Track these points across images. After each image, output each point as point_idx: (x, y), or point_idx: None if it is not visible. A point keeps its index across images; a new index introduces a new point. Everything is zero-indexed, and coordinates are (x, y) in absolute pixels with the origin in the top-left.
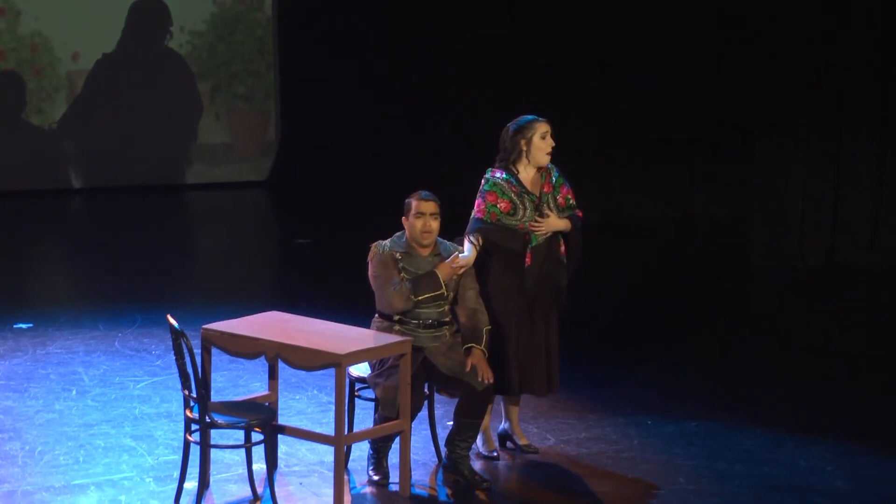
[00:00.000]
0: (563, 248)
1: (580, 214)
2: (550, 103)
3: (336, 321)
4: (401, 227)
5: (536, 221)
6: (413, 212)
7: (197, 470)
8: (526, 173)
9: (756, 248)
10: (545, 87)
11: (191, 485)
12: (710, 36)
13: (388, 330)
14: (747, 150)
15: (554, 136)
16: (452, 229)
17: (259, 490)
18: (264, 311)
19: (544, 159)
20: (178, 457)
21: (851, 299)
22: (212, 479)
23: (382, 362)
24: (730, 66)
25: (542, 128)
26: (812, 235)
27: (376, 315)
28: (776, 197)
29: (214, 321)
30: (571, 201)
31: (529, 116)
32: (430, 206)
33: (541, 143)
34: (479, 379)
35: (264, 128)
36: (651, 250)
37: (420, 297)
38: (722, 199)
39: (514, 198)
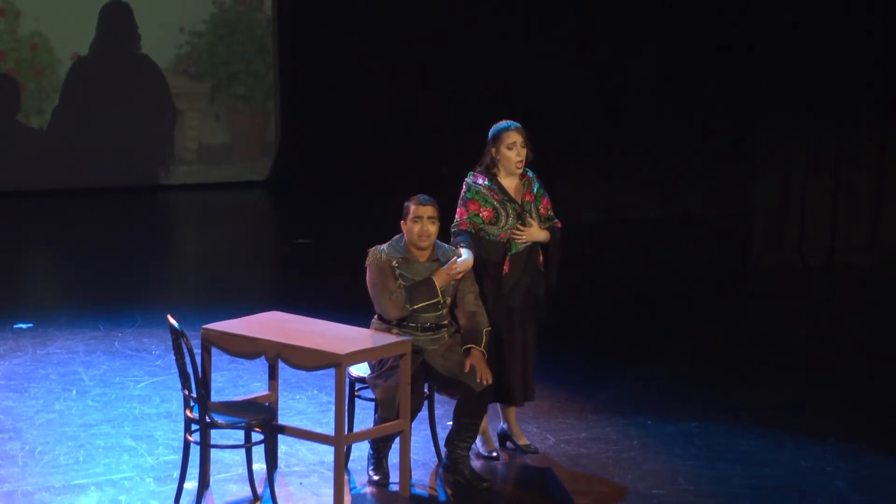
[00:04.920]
0: (541, 259)
1: (559, 225)
2: (550, 103)
3: (336, 321)
4: (400, 229)
5: (518, 230)
6: (411, 216)
7: (197, 470)
8: (507, 181)
9: (756, 248)
10: (545, 87)
11: (191, 485)
12: (711, 35)
13: (387, 332)
14: (747, 150)
15: (529, 144)
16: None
17: (259, 490)
18: (264, 311)
19: (514, 169)
20: (178, 457)
21: (851, 299)
22: (212, 479)
23: (382, 363)
24: (730, 65)
25: (510, 138)
26: (812, 235)
27: (375, 317)
28: (776, 197)
29: (214, 321)
30: (550, 212)
31: (503, 124)
32: (428, 210)
33: (508, 153)
34: (478, 380)
35: (264, 128)
36: (651, 250)
37: (416, 306)
38: (722, 199)
39: (497, 205)
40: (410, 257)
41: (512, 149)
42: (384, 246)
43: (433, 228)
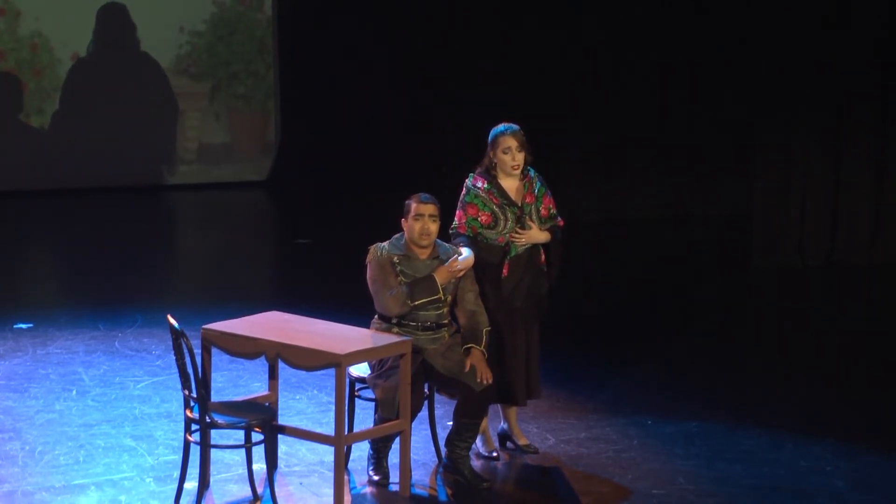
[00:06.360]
0: (543, 258)
1: (561, 224)
2: (551, 103)
3: (336, 321)
4: (400, 228)
5: (517, 233)
6: (412, 214)
7: (197, 470)
8: (508, 182)
9: (756, 248)
10: (546, 87)
11: (191, 485)
12: (711, 35)
13: (387, 332)
14: (747, 150)
15: (527, 147)
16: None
17: (259, 490)
18: (264, 311)
19: (511, 172)
20: (179, 457)
21: (851, 299)
22: (212, 479)
23: (382, 363)
24: (730, 66)
25: (505, 143)
26: (812, 235)
27: (375, 317)
28: (776, 197)
29: (214, 321)
30: (553, 211)
31: (501, 127)
32: (429, 209)
33: (503, 157)
34: (478, 380)
35: (264, 128)
36: (651, 250)
37: (417, 302)
38: (722, 199)
39: (496, 209)
40: (411, 255)
41: (507, 153)
42: (385, 244)
43: (434, 227)
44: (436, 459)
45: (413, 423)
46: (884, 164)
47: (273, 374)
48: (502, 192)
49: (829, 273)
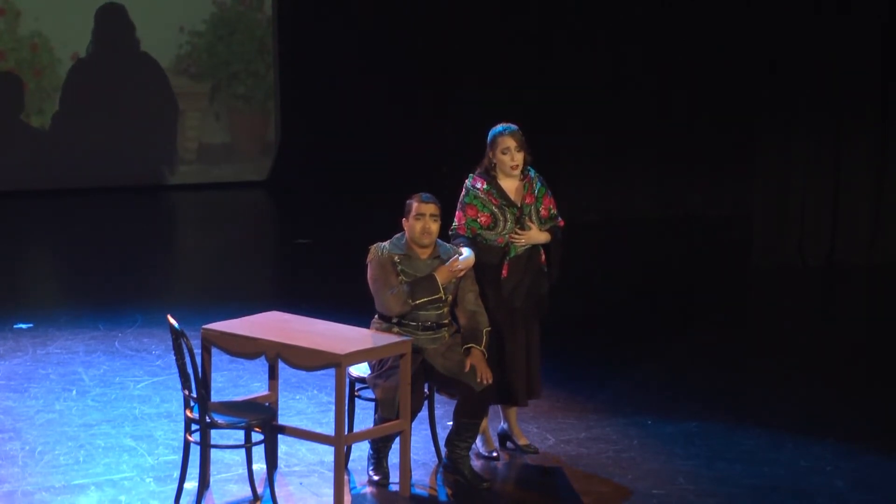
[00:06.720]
0: (543, 258)
1: (561, 224)
2: (551, 103)
3: (336, 321)
4: (400, 228)
5: (517, 234)
6: (413, 213)
7: (197, 470)
8: (507, 182)
9: (756, 248)
10: (546, 87)
11: (191, 485)
12: (711, 35)
13: (387, 332)
14: (747, 150)
15: (526, 147)
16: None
17: (259, 490)
18: (264, 311)
19: (510, 172)
20: (179, 457)
21: (851, 299)
22: (212, 479)
23: (382, 363)
24: (730, 66)
25: (504, 143)
26: (812, 235)
27: (375, 316)
28: (776, 197)
29: (214, 321)
30: (553, 211)
31: (499, 128)
32: (430, 208)
33: (502, 157)
34: (478, 380)
35: (264, 128)
36: (651, 250)
37: (417, 302)
38: (722, 199)
39: (496, 210)
40: (412, 255)
41: (506, 153)
42: (385, 243)
43: (435, 226)
44: (436, 459)
45: (413, 423)
46: (884, 164)
47: (273, 374)
48: (502, 193)
49: (829, 273)
